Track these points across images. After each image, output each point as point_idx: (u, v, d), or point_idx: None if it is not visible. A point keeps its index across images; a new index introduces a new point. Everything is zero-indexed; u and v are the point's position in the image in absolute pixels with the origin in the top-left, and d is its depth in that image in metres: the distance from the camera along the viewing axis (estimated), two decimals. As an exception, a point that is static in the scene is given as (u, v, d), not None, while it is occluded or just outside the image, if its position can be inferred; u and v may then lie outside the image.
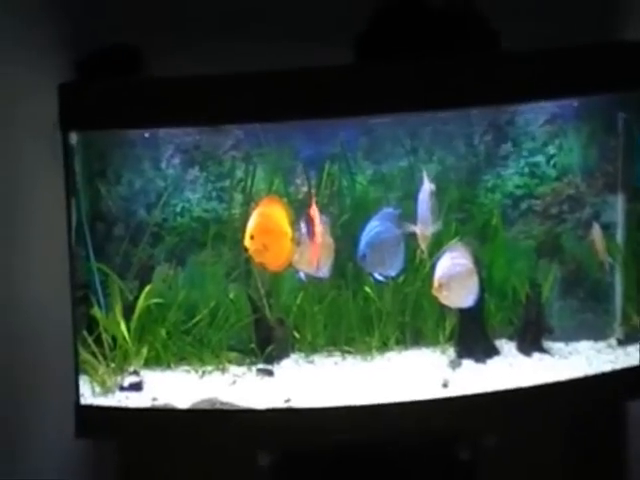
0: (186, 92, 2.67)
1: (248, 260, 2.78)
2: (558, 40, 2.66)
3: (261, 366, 3.01)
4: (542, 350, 2.95)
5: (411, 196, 2.94)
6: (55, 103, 2.67)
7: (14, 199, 2.79)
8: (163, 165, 3.09)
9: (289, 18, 3.00)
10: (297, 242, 2.69)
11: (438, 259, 2.76)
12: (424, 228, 2.81)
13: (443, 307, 2.84)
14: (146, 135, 3.04)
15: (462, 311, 2.88)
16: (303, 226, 2.73)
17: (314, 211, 2.73)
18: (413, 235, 2.82)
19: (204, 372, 3.04)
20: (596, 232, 3.01)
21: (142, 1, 2.96)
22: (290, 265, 2.72)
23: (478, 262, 2.81)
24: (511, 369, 2.87)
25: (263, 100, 2.65)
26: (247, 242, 2.66)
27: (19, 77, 2.73)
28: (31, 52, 2.79)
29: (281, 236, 2.69)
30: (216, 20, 3.01)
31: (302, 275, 2.78)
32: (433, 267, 2.77)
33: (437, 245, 2.91)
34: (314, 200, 2.77)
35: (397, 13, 2.80)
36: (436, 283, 2.73)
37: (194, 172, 3.10)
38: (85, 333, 2.92)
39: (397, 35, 2.77)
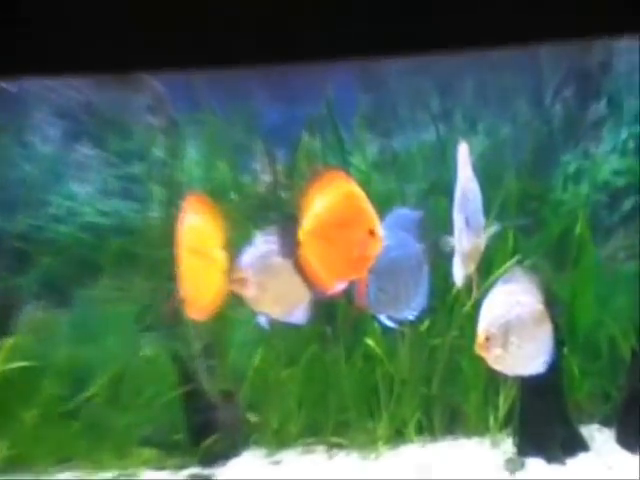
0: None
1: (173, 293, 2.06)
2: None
3: (195, 471, 2.40)
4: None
5: (442, 188, 2.24)
6: None
7: None
8: (36, 138, 2.41)
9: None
10: (239, 271, 2.03)
11: (485, 295, 2.11)
12: (468, 240, 2.04)
13: (494, 373, 2.08)
14: (13, 90, 2.42)
15: (525, 380, 2.31)
16: (265, 245, 2.05)
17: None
18: (448, 254, 2.10)
19: (100, 484, 2.34)
20: None
21: None
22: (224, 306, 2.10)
23: (552, 299, 2.16)
24: (609, 473, 2.40)
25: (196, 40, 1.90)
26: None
27: None
28: None
29: (207, 263, 2.07)
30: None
31: (264, 321, 2.12)
32: (477, 307, 2.11)
33: (484, 271, 2.15)
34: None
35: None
36: (482, 335, 2.08)
37: (84, 150, 2.43)
38: None
39: None
